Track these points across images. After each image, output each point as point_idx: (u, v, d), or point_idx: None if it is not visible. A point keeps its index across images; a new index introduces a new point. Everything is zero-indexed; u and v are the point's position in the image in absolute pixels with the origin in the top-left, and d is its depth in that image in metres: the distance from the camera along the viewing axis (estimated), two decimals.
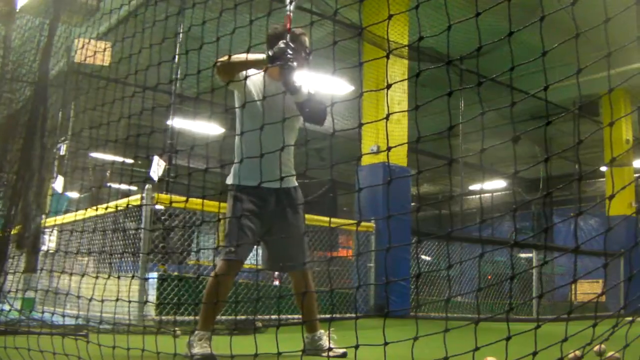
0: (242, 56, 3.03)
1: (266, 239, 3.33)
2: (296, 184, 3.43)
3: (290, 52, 3.00)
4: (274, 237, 3.28)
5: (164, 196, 5.32)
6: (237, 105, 3.36)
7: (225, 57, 3.06)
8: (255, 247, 3.39)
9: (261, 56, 3.07)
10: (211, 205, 4.86)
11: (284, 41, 3.03)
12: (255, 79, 3.28)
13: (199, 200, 4.04)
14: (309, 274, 3.38)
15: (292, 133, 3.38)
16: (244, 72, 3.15)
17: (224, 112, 2.86)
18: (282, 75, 3.10)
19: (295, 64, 3.03)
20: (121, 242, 5.63)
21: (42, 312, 4.43)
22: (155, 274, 5.57)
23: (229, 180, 3.33)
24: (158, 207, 5.46)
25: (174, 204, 5.08)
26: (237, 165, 3.27)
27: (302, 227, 3.38)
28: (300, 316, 3.78)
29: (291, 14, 3.18)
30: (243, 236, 3.12)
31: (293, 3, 3.18)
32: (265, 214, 3.24)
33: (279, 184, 3.08)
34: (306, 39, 3.30)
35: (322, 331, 3.37)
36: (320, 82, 9.79)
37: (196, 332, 3.05)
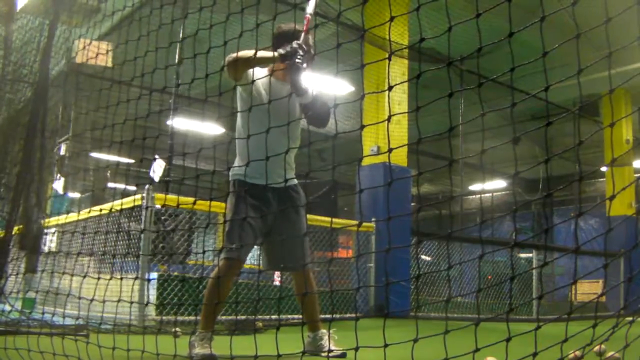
0: (251, 52, 2.98)
1: (268, 239, 3.33)
2: (296, 182, 3.43)
3: (302, 53, 3.00)
4: (276, 237, 3.27)
5: (167, 197, 5.32)
6: (239, 103, 3.34)
7: (235, 54, 3.05)
8: (256, 247, 3.38)
9: (271, 54, 3.04)
10: (211, 206, 4.85)
11: (298, 42, 3.02)
12: (263, 80, 3.26)
13: (200, 201, 4.04)
14: (310, 274, 3.38)
15: (295, 134, 3.38)
16: (250, 74, 3.12)
17: (230, 115, 2.85)
18: (289, 76, 3.10)
19: (304, 65, 3.02)
20: (122, 242, 5.63)
21: (43, 313, 4.43)
22: (155, 274, 5.57)
23: (233, 176, 3.28)
24: (158, 207, 5.46)
25: (173, 204, 5.06)
26: (241, 163, 3.23)
27: (303, 226, 3.37)
28: (300, 316, 3.78)
29: (309, 16, 3.17)
30: (245, 235, 3.11)
31: (312, 6, 3.17)
32: (268, 213, 3.23)
33: (283, 183, 3.08)
34: (311, 39, 3.29)
35: (324, 331, 3.36)
36: (322, 83, 9.80)
37: (197, 332, 3.06)
